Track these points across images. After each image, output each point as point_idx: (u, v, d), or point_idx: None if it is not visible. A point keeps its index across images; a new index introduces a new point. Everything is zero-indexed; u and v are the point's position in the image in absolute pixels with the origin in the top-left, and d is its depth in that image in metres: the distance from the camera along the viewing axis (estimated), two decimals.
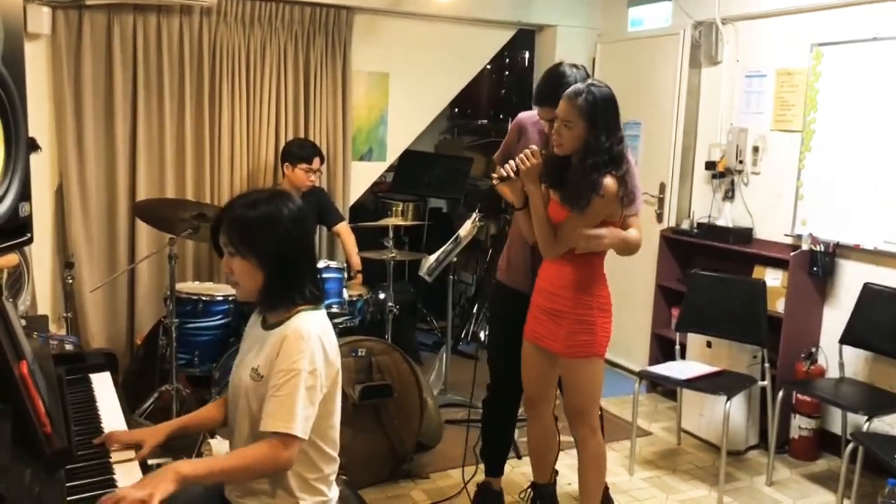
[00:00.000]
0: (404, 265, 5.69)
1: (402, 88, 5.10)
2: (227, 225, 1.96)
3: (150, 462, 1.95)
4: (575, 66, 2.92)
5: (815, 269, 4.01)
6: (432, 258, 3.48)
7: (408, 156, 5.64)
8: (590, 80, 2.70)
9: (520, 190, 2.82)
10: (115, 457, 1.88)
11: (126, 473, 1.79)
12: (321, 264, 3.83)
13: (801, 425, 4.01)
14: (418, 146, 5.81)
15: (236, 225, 1.94)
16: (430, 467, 3.71)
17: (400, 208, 5.93)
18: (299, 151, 4.37)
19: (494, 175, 2.83)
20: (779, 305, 4.09)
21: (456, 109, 6.94)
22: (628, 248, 2.83)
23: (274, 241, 1.94)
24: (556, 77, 2.88)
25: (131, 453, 1.92)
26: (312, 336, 1.92)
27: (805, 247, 4.07)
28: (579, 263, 2.76)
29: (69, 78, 4.16)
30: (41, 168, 4.12)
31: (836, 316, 4.02)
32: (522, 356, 2.98)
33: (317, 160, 4.38)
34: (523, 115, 3.17)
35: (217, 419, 2.18)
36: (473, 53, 5.35)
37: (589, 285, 2.77)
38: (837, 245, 3.99)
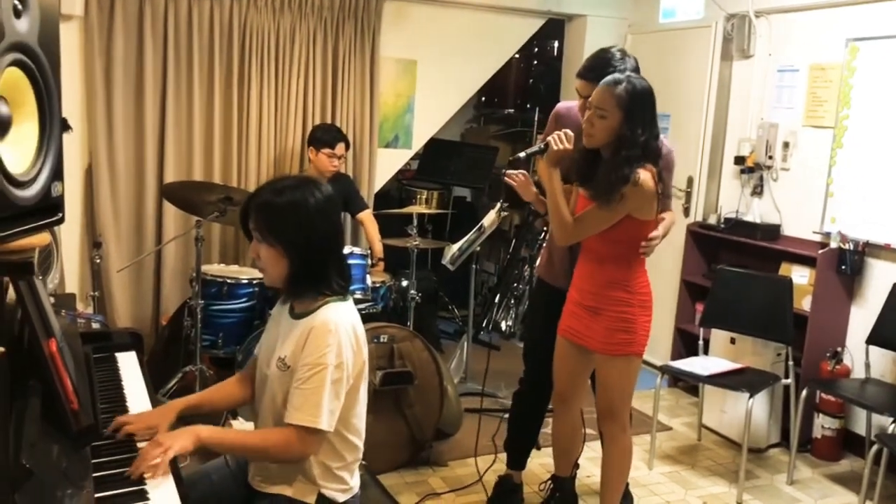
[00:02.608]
0: (427, 253, 5.69)
1: (429, 76, 5.09)
2: (255, 210, 1.96)
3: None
4: (626, 54, 2.89)
5: (843, 267, 3.96)
6: (456, 247, 3.47)
7: (433, 144, 5.63)
8: (629, 73, 2.66)
9: (532, 191, 2.90)
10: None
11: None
12: (345, 250, 3.84)
13: (824, 425, 3.97)
14: (444, 134, 5.80)
15: (263, 211, 1.94)
16: (449, 455, 3.72)
17: (424, 196, 5.93)
18: (323, 136, 4.38)
19: (508, 171, 2.91)
20: (805, 303, 4.04)
21: (483, 98, 6.92)
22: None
23: (299, 230, 1.93)
24: (605, 58, 2.85)
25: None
26: (340, 328, 1.92)
27: (834, 245, 4.01)
28: (620, 260, 2.70)
29: (101, 59, 4.19)
30: (72, 148, 4.16)
31: (863, 315, 3.97)
32: (556, 352, 2.95)
33: (340, 146, 4.38)
34: (561, 106, 3.13)
35: (235, 397, 2.19)
36: (502, 42, 5.32)
37: (630, 282, 2.71)
38: (867, 244, 3.93)
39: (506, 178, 2.95)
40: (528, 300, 5.27)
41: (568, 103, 3.11)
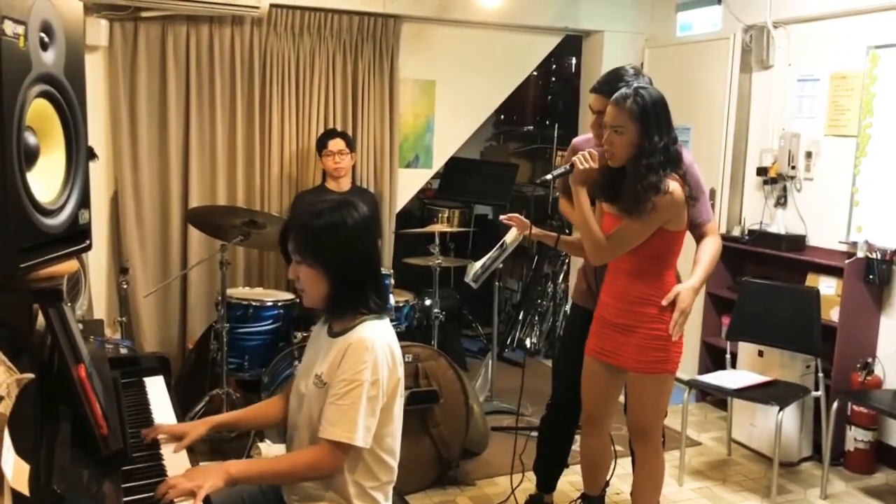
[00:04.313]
0: (450, 271, 5.70)
1: (448, 96, 5.12)
2: (294, 233, 1.99)
3: (201, 465, 1.99)
4: (640, 72, 2.91)
5: (870, 277, 3.91)
6: (478, 264, 3.48)
7: (453, 162, 5.65)
8: (636, 84, 2.67)
9: (532, 231, 2.98)
10: (167, 455, 1.93)
11: (178, 473, 1.83)
12: None
13: (856, 437, 3.91)
14: (464, 153, 5.82)
15: (302, 233, 1.97)
16: (477, 474, 3.70)
17: (446, 215, 5.95)
18: (319, 139, 4.45)
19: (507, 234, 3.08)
20: (833, 314, 3.99)
21: (502, 116, 6.94)
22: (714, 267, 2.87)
23: (338, 251, 1.95)
24: (619, 74, 2.87)
25: (183, 451, 1.98)
26: (376, 345, 1.93)
27: (860, 254, 3.97)
28: (651, 276, 2.68)
29: (125, 87, 4.27)
30: (98, 176, 4.23)
31: (893, 325, 3.91)
32: (584, 373, 2.91)
33: (335, 142, 4.38)
34: (577, 140, 3.20)
35: (267, 418, 2.22)
36: (520, 60, 5.34)
37: (661, 297, 2.67)
38: (895, 253, 3.88)
39: (503, 220, 3.05)
40: (563, 326, 5.27)
41: (584, 136, 3.17)
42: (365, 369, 1.90)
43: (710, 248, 2.87)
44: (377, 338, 1.95)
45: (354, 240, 1.97)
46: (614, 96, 2.62)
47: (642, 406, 2.80)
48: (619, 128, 2.58)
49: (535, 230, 3.01)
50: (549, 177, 2.84)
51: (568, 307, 5.61)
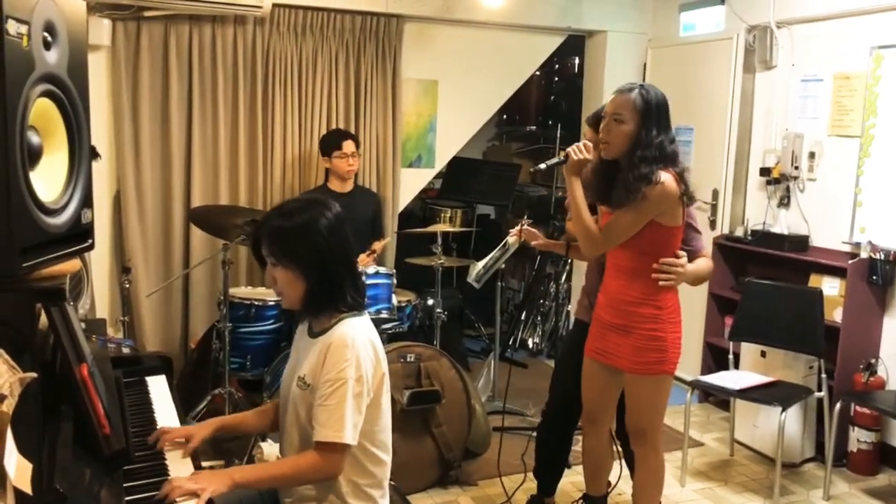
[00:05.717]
0: (452, 271, 5.69)
1: (450, 95, 5.11)
2: (267, 236, 1.99)
3: (203, 465, 2.00)
4: None
5: (874, 277, 3.90)
6: (480, 264, 3.48)
7: (456, 162, 5.65)
8: (640, 83, 2.68)
9: (540, 241, 3.05)
10: (169, 455, 1.93)
11: (180, 473, 1.83)
12: (371, 270, 3.87)
13: (860, 438, 3.90)
14: (466, 153, 5.82)
15: (275, 235, 1.97)
16: (478, 474, 3.70)
17: (448, 215, 5.94)
18: (329, 140, 4.43)
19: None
20: (836, 315, 3.98)
21: (504, 116, 6.93)
22: (702, 279, 2.88)
23: (313, 249, 1.96)
24: None
25: (181, 451, 1.98)
26: (357, 342, 1.94)
27: (864, 255, 3.96)
28: (648, 278, 2.67)
29: (127, 87, 4.26)
30: (100, 175, 4.22)
31: None
32: (583, 373, 2.92)
33: (348, 143, 4.38)
34: None
35: (265, 424, 2.23)
36: (522, 60, 5.33)
37: (658, 298, 2.68)
38: None
39: (511, 232, 3.13)
40: (565, 339, 5.29)
41: None
42: (347, 367, 1.90)
43: (704, 261, 2.90)
44: (357, 335, 1.96)
45: (328, 237, 1.97)
46: (619, 87, 2.64)
47: (640, 407, 2.80)
48: (620, 116, 2.59)
49: (542, 241, 3.02)
50: (542, 166, 2.84)
51: (570, 307, 5.63)
